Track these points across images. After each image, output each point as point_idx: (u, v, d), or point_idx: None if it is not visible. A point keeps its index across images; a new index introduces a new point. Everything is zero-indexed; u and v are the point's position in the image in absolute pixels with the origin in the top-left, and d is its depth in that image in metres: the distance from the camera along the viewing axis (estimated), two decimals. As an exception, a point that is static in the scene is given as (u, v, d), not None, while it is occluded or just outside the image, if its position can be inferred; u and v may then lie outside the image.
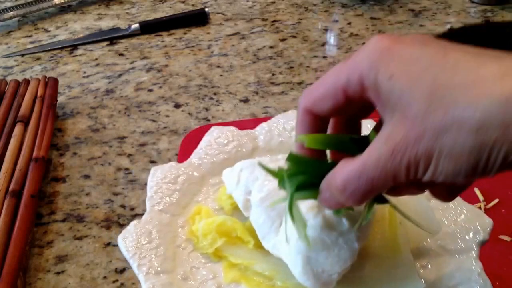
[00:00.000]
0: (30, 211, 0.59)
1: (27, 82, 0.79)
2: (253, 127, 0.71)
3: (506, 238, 0.54)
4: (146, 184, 0.65)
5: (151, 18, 1.02)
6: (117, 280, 0.55)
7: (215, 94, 0.81)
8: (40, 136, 0.69)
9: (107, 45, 0.95)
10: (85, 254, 0.58)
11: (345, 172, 0.32)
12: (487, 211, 0.57)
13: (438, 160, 0.28)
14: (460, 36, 0.97)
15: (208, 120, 0.76)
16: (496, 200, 0.58)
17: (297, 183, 0.35)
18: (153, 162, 0.69)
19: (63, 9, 1.07)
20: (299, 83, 0.83)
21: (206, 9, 1.00)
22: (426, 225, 0.42)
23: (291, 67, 0.87)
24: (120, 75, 0.87)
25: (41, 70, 0.89)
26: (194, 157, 0.50)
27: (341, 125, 0.36)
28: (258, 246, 0.43)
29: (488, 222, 0.43)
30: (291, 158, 0.36)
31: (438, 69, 0.28)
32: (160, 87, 0.83)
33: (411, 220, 0.37)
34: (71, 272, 0.56)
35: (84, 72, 0.88)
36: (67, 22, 1.03)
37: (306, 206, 0.38)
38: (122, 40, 0.96)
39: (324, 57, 0.89)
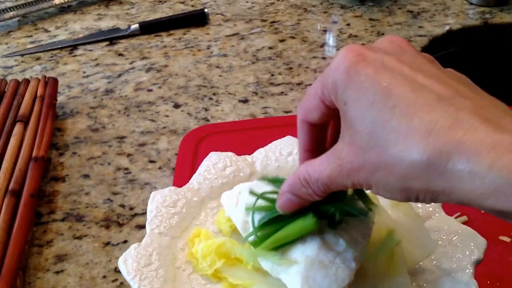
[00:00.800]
0: (29, 210, 0.59)
1: (27, 81, 0.79)
2: (252, 127, 0.71)
3: (505, 239, 0.54)
4: (146, 184, 0.65)
5: (150, 19, 1.02)
6: (116, 280, 0.55)
7: (214, 94, 0.81)
8: (39, 136, 0.69)
9: (107, 45, 0.95)
10: (84, 253, 0.58)
11: (309, 169, 0.35)
12: (486, 212, 0.57)
13: (376, 189, 0.31)
14: (458, 37, 0.97)
15: (208, 120, 0.76)
16: (496, 201, 0.58)
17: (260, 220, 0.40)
18: (152, 162, 0.69)
19: (63, 9, 1.08)
20: (299, 84, 0.83)
21: (206, 10, 1.01)
22: (422, 246, 0.43)
23: (290, 68, 0.87)
24: (119, 75, 0.87)
25: (41, 70, 0.89)
26: (193, 182, 0.51)
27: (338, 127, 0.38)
28: (257, 267, 0.43)
29: (482, 241, 0.45)
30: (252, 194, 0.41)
31: (380, 107, 0.30)
32: (160, 87, 0.84)
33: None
34: (70, 271, 0.56)
35: (84, 72, 0.88)
36: (67, 22, 1.03)
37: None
38: (122, 40, 0.96)
39: (323, 58, 0.89)
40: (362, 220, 0.41)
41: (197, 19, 1.00)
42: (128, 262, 0.44)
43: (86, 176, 0.68)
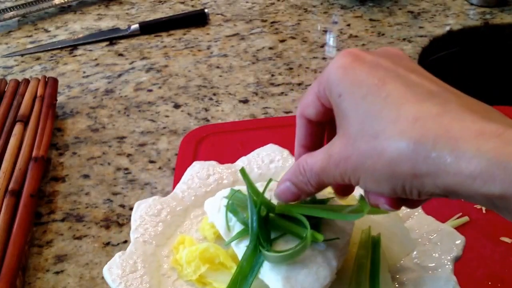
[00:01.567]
0: (29, 210, 0.59)
1: (27, 81, 0.79)
2: (252, 128, 0.71)
3: (507, 240, 0.54)
4: (146, 184, 0.65)
5: (150, 19, 1.02)
6: (116, 280, 0.55)
7: (214, 94, 0.81)
8: (39, 136, 0.69)
9: (107, 45, 0.95)
10: (84, 253, 0.58)
11: (308, 158, 0.36)
12: (488, 213, 0.57)
13: (364, 180, 0.32)
14: (459, 38, 0.97)
15: (208, 121, 0.76)
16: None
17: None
18: (152, 162, 0.69)
19: (63, 9, 1.08)
20: (299, 84, 0.83)
21: (206, 10, 1.01)
22: (401, 244, 0.44)
23: (291, 68, 0.87)
24: (119, 75, 0.87)
25: (41, 70, 0.89)
26: (176, 191, 0.52)
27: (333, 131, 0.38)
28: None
29: (460, 239, 0.45)
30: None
31: (373, 99, 0.31)
32: (160, 87, 0.83)
33: None
34: (70, 272, 0.56)
35: (84, 72, 0.88)
36: (67, 22, 1.03)
37: None
38: (122, 41, 0.96)
39: (324, 58, 0.89)
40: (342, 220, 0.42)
41: (197, 19, 1.00)
42: (112, 270, 0.44)
43: (86, 176, 0.68)
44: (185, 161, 0.64)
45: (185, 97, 0.81)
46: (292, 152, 0.54)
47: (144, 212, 0.49)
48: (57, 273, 0.56)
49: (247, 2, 1.08)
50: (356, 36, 0.94)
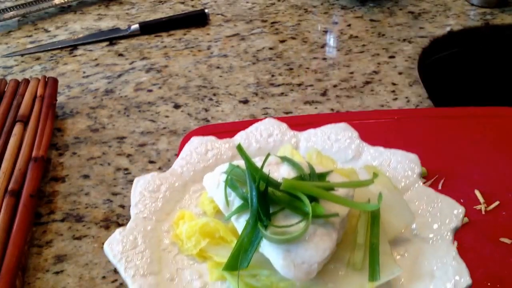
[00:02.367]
0: (29, 210, 0.59)
1: (26, 81, 0.79)
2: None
3: (506, 240, 0.54)
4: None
5: (150, 19, 1.02)
6: (116, 280, 0.55)
7: (214, 95, 0.81)
8: (39, 136, 0.69)
9: (107, 45, 0.95)
10: (84, 254, 0.58)
11: None
12: (487, 214, 0.57)
13: None
14: (460, 38, 0.97)
15: (208, 121, 0.76)
16: (497, 203, 0.58)
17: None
18: (152, 162, 0.69)
19: (63, 9, 1.08)
20: (299, 85, 0.83)
21: (206, 10, 1.01)
22: (400, 216, 0.44)
23: (291, 69, 0.87)
24: (119, 75, 0.87)
25: (41, 70, 0.89)
26: (175, 166, 0.51)
27: None
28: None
29: (460, 209, 0.46)
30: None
31: None
32: (160, 88, 0.83)
33: None
34: (70, 272, 0.56)
35: (84, 72, 0.88)
36: (67, 22, 1.03)
37: None
38: (122, 41, 0.96)
39: (324, 58, 0.89)
40: (341, 193, 0.42)
41: (197, 19, 1.00)
42: (113, 246, 0.44)
43: (86, 176, 0.68)
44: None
45: (185, 98, 0.81)
46: (291, 127, 0.54)
47: (143, 188, 0.49)
48: (56, 273, 0.56)
49: (247, 2, 1.08)
50: (356, 37, 0.94)
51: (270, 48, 0.92)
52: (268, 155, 0.44)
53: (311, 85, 0.83)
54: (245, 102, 0.79)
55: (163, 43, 0.95)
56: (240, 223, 0.43)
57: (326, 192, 0.41)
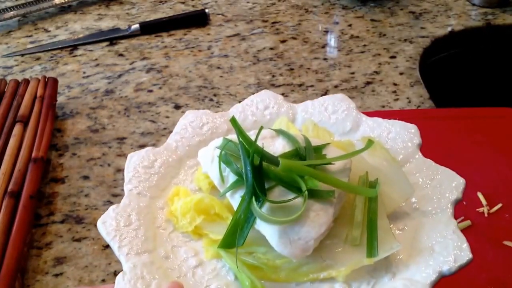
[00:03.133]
0: (28, 212, 0.59)
1: (26, 82, 0.79)
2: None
3: (510, 244, 0.54)
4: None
5: (151, 19, 1.01)
6: (116, 282, 0.54)
7: (215, 95, 0.81)
8: (39, 136, 0.69)
9: (107, 45, 0.95)
10: (84, 256, 0.57)
11: None
12: (490, 216, 0.56)
13: None
14: (461, 38, 0.96)
15: (208, 122, 0.75)
16: (500, 205, 0.58)
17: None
18: (152, 163, 0.68)
19: (63, 9, 1.07)
20: (300, 85, 0.82)
21: (206, 10, 1.00)
22: (400, 189, 0.43)
23: (292, 69, 0.86)
24: (120, 76, 0.86)
25: (41, 70, 0.89)
26: (170, 141, 0.50)
27: None
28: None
29: (460, 181, 0.44)
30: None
31: None
32: (160, 88, 0.83)
33: None
34: (69, 274, 0.56)
35: (84, 73, 0.88)
36: (67, 22, 1.03)
37: None
38: (122, 41, 0.96)
39: (325, 59, 0.89)
40: (339, 167, 0.42)
41: (197, 19, 1.00)
42: (107, 223, 0.43)
43: (86, 177, 0.67)
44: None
45: (186, 98, 0.81)
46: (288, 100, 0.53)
47: (137, 164, 0.48)
48: (56, 275, 0.56)
49: (247, 2, 1.07)
50: (357, 37, 0.94)
51: (271, 48, 0.92)
52: (261, 128, 0.42)
53: (312, 86, 0.82)
54: (246, 102, 0.79)
55: (164, 43, 0.95)
56: (235, 199, 0.42)
57: (324, 174, 0.40)
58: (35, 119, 0.72)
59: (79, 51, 0.93)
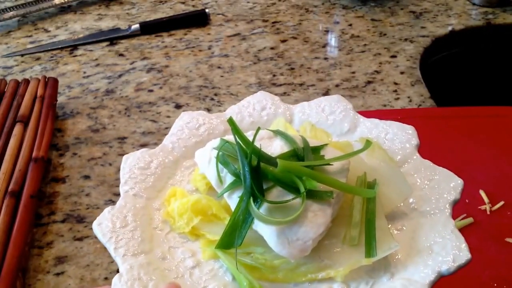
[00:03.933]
0: (29, 211, 0.59)
1: (26, 82, 0.79)
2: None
3: (512, 241, 0.54)
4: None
5: (151, 19, 1.01)
6: (117, 282, 0.54)
7: (215, 95, 0.81)
8: (39, 136, 0.69)
9: (107, 45, 0.95)
10: (85, 255, 0.57)
11: None
12: (492, 214, 0.56)
13: None
14: (461, 38, 0.97)
15: (209, 121, 0.75)
16: (502, 203, 0.58)
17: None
18: (153, 162, 0.68)
19: (63, 9, 1.07)
20: (301, 84, 0.82)
21: (207, 10, 1.00)
22: (397, 190, 0.43)
23: (292, 68, 0.86)
24: (120, 76, 0.86)
25: (41, 70, 0.89)
26: (166, 142, 0.50)
27: None
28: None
29: (458, 181, 0.44)
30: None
31: None
32: (161, 88, 0.83)
33: None
34: (71, 273, 0.55)
35: (84, 72, 0.87)
36: (67, 22, 1.03)
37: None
38: (122, 41, 0.96)
39: (325, 58, 0.89)
40: (337, 167, 0.42)
41: (198, 19, 1.00)
42: (103, 225, 0.43)
43: (86, 177, 0.67)
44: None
45: (186, 98, 0.81)
46: (284, 101, 0.54)
47: (133, 165, 0.47)
48: (57, 274, 0.55)
49: (248, 2, 1.07)
50: (358, 36, 0.94)
51: (271, 48, 0.92)
52: (259, 129, 0.42)
53: (313, 85, 0.82)
54: (247, 102, 0.79)
55: (164, 43, 0.95)
56: (233, 200, 0.42)
57: (322, 174, 0.40)
58: (35, 119, 0.72)
59: (79, 51, 0.93)
